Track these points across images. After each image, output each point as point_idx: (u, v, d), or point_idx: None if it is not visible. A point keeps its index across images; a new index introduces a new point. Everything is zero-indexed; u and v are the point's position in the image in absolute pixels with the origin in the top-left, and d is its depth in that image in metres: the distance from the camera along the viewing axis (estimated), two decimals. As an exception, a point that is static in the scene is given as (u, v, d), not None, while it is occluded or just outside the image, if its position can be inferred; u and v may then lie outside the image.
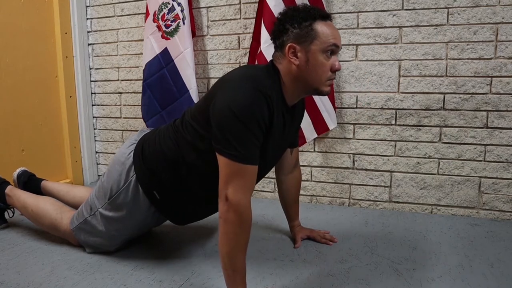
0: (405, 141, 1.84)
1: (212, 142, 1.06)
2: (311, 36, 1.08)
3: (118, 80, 2.37)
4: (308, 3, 1.76)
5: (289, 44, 1.10)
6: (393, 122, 1.84)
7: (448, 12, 1.71)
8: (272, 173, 2.05)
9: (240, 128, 1.00)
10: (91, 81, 2.44)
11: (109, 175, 1.33)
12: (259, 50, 1.77)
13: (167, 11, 2.00)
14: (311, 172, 2.01)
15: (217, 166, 1.04)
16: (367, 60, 1.84)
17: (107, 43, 2.36)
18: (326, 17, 1.11)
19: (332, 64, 1.10)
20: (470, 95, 1.73)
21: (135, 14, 2.26)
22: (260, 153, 1.07)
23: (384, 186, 1.90)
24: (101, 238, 1.37)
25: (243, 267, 1.04)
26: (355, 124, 1.90)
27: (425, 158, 1.82)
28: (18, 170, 1.79)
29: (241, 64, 2.05)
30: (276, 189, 1.58)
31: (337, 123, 1.90)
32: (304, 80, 1.12)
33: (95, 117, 2.47)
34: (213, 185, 1.06)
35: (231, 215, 0.99)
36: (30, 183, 1.75)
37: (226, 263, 1.02)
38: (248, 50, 1.98)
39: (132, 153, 1.30)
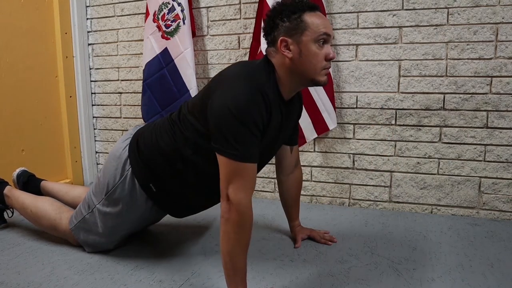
0: (405, 141, 1.84)
1: (211, 142, 1.06)
2: (301, 28, 1.08)
3: (118, 80, 2.37)
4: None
5: (280, 38, 1.10)
6: (393, 122, 1.84)
7: (448, 12, 1.71)
8: (272, 173, 2.05)
9: (239, 127, 1.01)
10: (91, 81, 2.44)
11: (105, 171, 1.33)
12: (259, 50, 1.77)
13: (167, 11, 2.00)
14: (311, 172, 2.01)
15: (214, 160, 1.05)
16: (367, 60, 1.84)
17: (107, 43, 2.36)
18: (314, 8, 1.12)
19: (326, 53, 1.11)
20: (470, 95, 1.73)
21: (135, 14, 2.26)
22: (263, 145, 1.08)
23: (384, 186, 1.90)
24: (99, 235, 1.37)
25: (244, 267, 1.04)
26: (355, 124, 1.90)
27: (425, 158, 1.82)
28: (17, 170, 1.79)
29: (241, 64, 2.05)
30: (276, 189, 1.58)
31: (337, 123, 1.90)
32: (299, 71, 1.12)
33: (95, 117, 2.47)
34: (209, 179, 1.07)
35: (232, 214, 1.00)
36: (30, 183, 1.74)
37: (227, 262, 1.02)
38: (248, 50, 1.98)
39: (127, 147, 1.31)
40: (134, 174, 1.27)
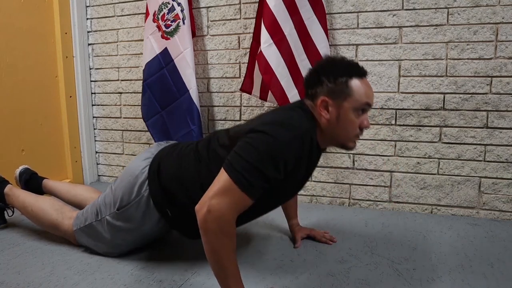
0: (405, 141, 1.84)
1: (227, 156, 1.04)
2: (345, 93, 1.07)
3: (118, 80, 2.37)
4: (308, 4, 1.76)
5: (321, 98, 1.09)
6: (393, 122, 1.84)
7: (448, 12, 1.71)
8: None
9: (265, 162, 0.99)
10: (91, 81, 2.44)
11: (120, 185, 1.31)
12: (259, 50, 1.77)
13: (167, 11, 2.00)
14: (311, 172, 2.01)
15: None
16: (367, 60, 1.84)
17: (107, 43, 2.37)
18: (363, 74, 1.10)
19: (361, 121, 1.10)
20: (470, 95, 1.73)
21: (135, 14, 2.26)
22: (278, 188, 1.07)
23: (384, 186, 1.90)
24: (104, 244, 1.36)
25: (235, 270, 1.01)
26: (355, 124, 1.90)
27: (425, 158, 1.82)
28: (20, 168, 1.79)
29: (241, 64, 2.05)
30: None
31: (337, 123, 1.89)
32: (332, 134, 1.13)
33: (95, 117, 2.47)
34: None
35: (212, 225, 0.95)
36: (32, 181, 1.75)
37: (217, 270, 1.00)
38: (248, 50, 1.98)
39: (147, 168, 1.28)
40: (151, 197, 1.25)
